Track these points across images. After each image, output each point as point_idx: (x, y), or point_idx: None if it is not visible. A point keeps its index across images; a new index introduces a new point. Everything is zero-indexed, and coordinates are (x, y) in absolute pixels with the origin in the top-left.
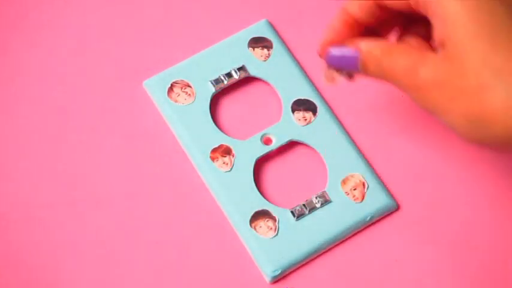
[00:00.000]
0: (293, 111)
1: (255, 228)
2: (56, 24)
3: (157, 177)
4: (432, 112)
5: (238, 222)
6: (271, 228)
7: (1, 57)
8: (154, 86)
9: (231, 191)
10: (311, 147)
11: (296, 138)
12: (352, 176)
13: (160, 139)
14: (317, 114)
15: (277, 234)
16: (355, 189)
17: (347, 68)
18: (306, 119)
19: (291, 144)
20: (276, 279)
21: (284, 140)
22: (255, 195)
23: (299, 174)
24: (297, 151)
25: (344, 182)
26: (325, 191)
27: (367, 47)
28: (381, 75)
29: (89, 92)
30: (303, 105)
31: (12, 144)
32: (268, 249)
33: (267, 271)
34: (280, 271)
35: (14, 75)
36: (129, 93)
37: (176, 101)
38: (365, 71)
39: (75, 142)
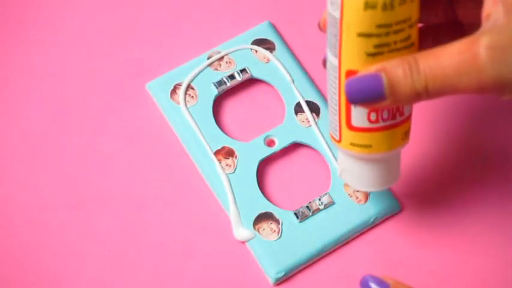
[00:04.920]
0: (296, 112)
1: (258, 231)
2: (59, 26)
3: (160, 180)
4: None
5: (242, 224)
6: (274, 231)
7: (4, 59)
8: (157, 88)
9: (234, 193)
10: (314, 149)
11: (299, 140)
12: None
13: (163, 141)
14: (320, 115)
15: (280, 237)
16: (358, 191)
17: (371, 100)
18: (309, 121)
19: (294, 146)
20: (280, 281)
21: (287, 142)
22: (258, 197)
23: (302, 176)
24: (300, 153)
25: (347, 183)
26: (328, 193)
27: (389, 64)
28: (426, 87)
29: (92, 94)
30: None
31: (14, 145)
32: (272, 252)
33: (271, 273)
34: (283, 273)
35: (17, 77)
36: (132, 95)
37: (179, 103)
38: (395, 95)
39: (78, 144)
